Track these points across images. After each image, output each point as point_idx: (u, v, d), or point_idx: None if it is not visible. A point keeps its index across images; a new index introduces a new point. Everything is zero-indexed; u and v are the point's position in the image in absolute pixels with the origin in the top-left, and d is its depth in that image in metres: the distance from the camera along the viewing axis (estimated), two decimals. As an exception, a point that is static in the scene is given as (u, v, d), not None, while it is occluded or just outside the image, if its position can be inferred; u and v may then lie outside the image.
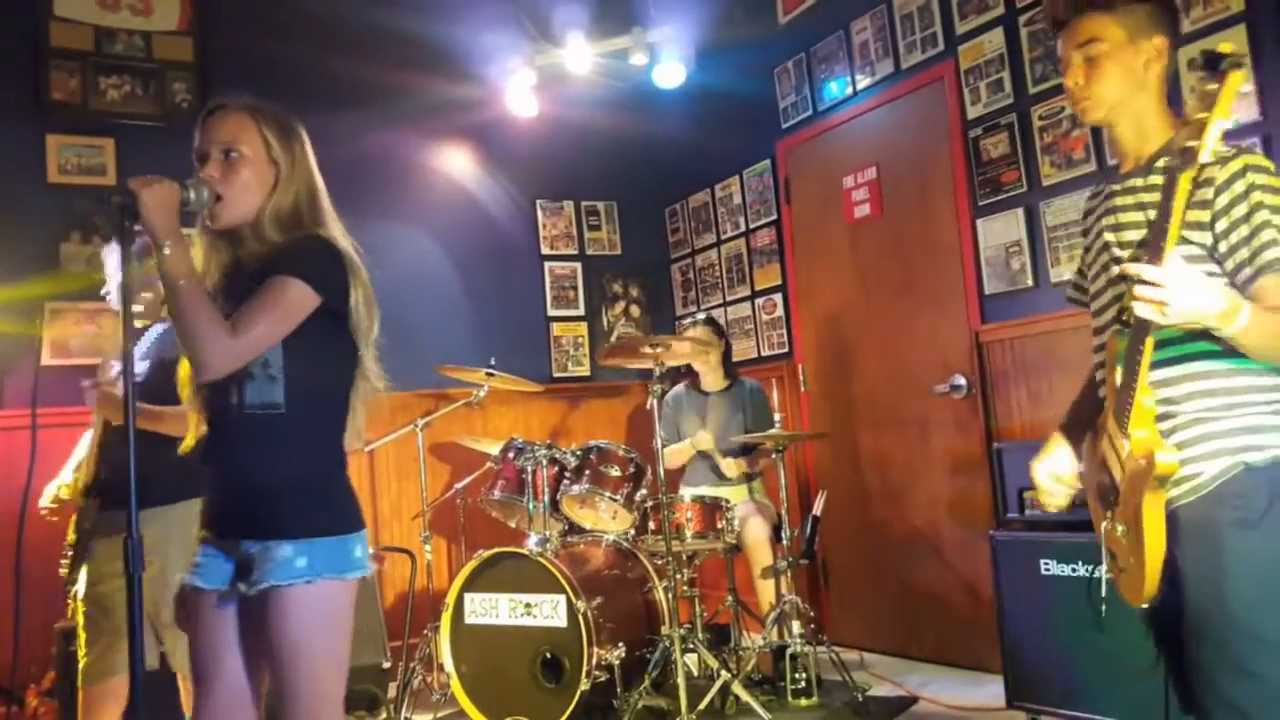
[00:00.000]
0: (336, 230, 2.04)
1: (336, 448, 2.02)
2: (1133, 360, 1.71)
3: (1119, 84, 1.87)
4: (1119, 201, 1.92)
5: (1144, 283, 1.64)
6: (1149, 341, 1.69)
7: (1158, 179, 1.81)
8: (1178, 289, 1.62)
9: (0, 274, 4.41)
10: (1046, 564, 3.18)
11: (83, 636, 2.87)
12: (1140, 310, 1.66)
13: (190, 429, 2.04)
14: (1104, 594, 1.94)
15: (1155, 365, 1.76)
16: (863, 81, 4.72)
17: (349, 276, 1.96)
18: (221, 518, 1.96)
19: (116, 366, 3.06)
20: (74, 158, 4.66)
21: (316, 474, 1.96)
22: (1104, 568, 1.92)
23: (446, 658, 3.79)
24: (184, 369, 1.99)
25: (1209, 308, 1.65)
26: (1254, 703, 1.68)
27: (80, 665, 2.86)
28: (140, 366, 2.82)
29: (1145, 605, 1.81)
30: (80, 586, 2.88)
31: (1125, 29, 1.85)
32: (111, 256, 3.01)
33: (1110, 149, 2.03)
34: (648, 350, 3.85)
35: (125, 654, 2.76)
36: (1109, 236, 1.92)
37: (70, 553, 2.90)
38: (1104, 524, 1.90)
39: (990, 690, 3.63)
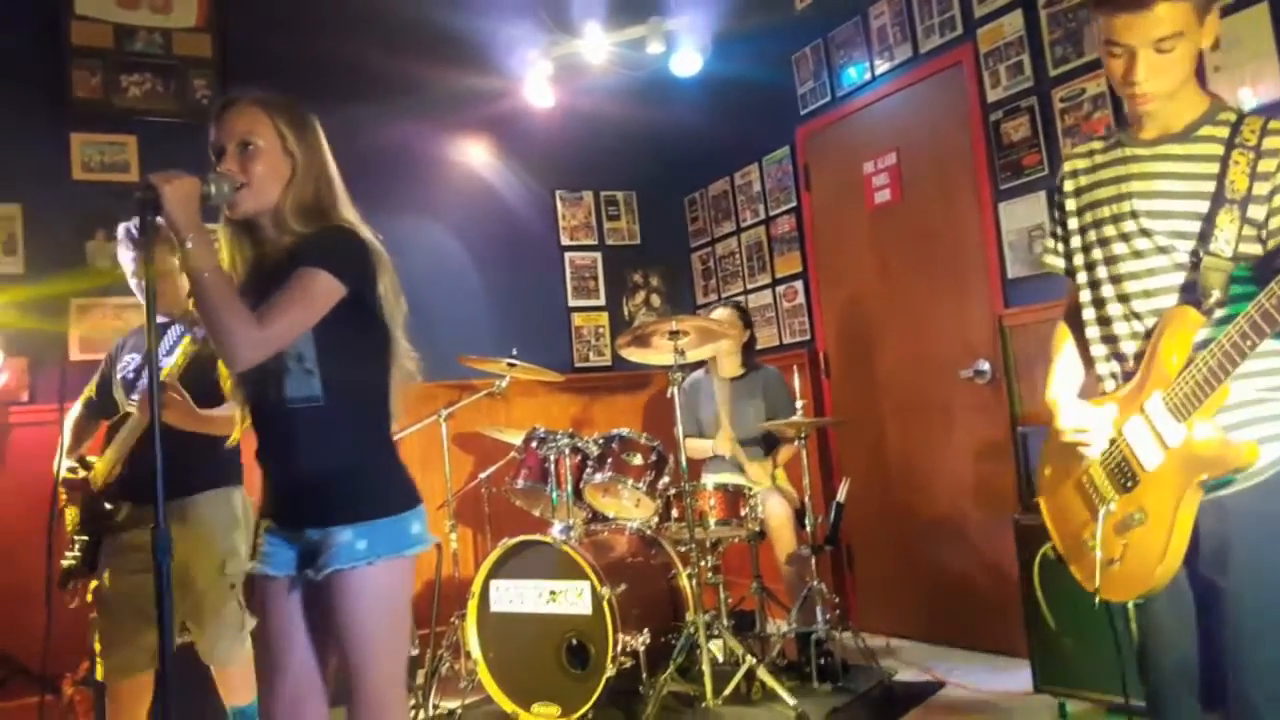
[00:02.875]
0: (354, 218, 2.06)
1: (383, 431, 2.06)
2: (1238, 349, 1.60)
3: (1184, 73, 1.75)
4: (1152, 168, 1.82)
5: None
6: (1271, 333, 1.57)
7: (1203, 148, 1.75)
8: None
9: (27, 271, 4.46)
10: (1072, 547, 3.16)
11: (100, 634, 2.83)
12: None
13: (236, 423, 2.10)
14: (1098, 584, 1.85)
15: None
16: (881, 66, 4.70)
17: (375, 264, 1.99)
18: (281, 507, 2.02)
19: (128, 358, 3.05)
20: (97, 155, 4.70)
21: (366, 458, 2.00)
22: (1099, 555, 1.84)
23: (473, 645, 3.82)
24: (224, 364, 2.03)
25: None
26: None
27: (100, 662, 2.82)
28: (164, 361, 2.81)
29: (1138, 600, 1.75)
30: (101, 582, 2.83)
31: (1195, 10, 1.71)
32: (122, 249, 3.00)
33: (1130, 115, 1.90)
34: (669, 332, 3.84)
35: (146, 651, 2.78)
36: (1138, 204, 1.81)
37: (76, 546, 2.85)
38: (1102, 509, 1.82)
39: (1018, 675, 3.62)
